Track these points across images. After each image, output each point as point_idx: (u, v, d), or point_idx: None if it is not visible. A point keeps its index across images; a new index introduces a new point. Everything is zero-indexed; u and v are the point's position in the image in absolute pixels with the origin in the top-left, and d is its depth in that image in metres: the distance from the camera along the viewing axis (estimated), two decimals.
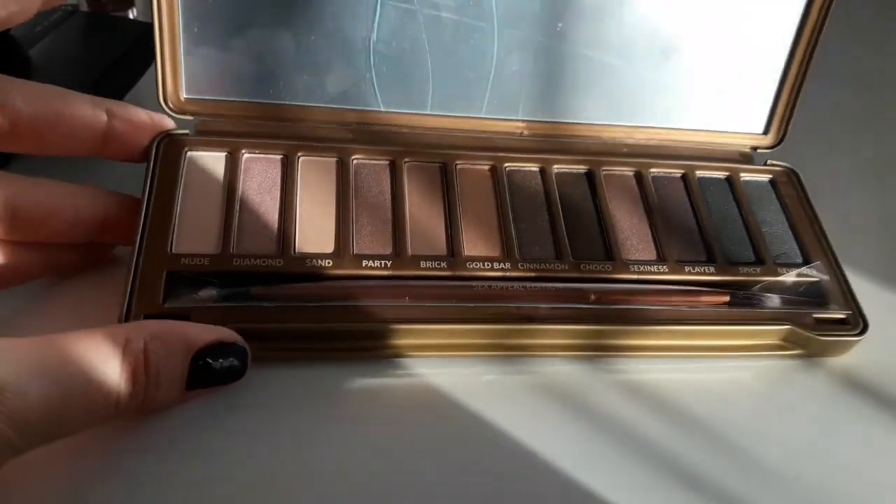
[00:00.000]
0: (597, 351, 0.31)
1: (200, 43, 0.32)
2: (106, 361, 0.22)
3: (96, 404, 0.22)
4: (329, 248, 0.30)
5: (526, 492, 0.26)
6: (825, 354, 0.33)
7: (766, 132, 0.38)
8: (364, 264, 0.30)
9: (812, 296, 0.34)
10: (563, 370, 0.31)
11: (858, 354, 0.33)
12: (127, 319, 0.27)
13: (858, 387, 0.32)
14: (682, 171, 0.36)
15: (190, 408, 0.26)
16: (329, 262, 0.30)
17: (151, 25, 0.31)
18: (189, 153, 0.32)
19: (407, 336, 0.29)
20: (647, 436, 0.29)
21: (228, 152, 0.32)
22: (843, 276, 0.34)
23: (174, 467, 0.25)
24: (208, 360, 0.25)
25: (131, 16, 0.45)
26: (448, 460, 0.27)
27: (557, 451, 0.28)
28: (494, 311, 0.30)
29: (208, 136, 0.32)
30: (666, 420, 0.29)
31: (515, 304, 0.30)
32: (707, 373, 0.32)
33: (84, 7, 0.43)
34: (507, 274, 0.31)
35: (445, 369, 0.30)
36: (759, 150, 0.38)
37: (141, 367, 0.23)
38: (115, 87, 0.38)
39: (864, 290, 0.34)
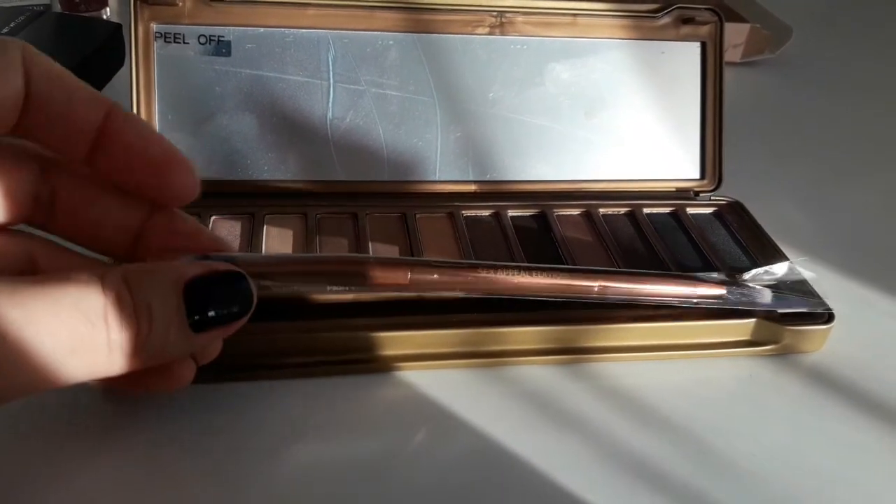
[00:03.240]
0: (569, 354, 0.31)
1: (174, 129, 0.36)
2: (84, 294, 0.19)
3: (83, 343, 0.19)
4: None
5: (506, 498, 0.25)
6: (797, 350, 0.33)
7: (702, 178, 0.41)
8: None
9: None
10: (538, 375, 0.30)
11: (830, 350, 0.33)
12: None
13: (831, 383, 0.32)
14: (629, 209, 0.38)
15: (158, 429, 0.26)
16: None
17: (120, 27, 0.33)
18: None
19: (384, 346, 0.29)
20: (621, 439, 0.28)
21: (197, 214, 0.34)
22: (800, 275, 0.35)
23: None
24: (205, 291, 0.22)
25: (105, 16, 0.47)
26: (432, 468, 0.26)
27: (534, 455, 0.27)
28: (467, 318, 0.30)
29: None
30: (641, 424, 0.29)
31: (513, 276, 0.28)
32: (680, 373, 0.31)
33: (57, 7, 0.44)
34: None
35: (423, 380, 0.30)
36: (701, 194, 0.41)
37: (127, 298, 0.20)
38: None
39: (828, 290, 0.35)
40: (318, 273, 0.27)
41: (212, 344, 0.25)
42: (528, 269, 0.28)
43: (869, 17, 0.77)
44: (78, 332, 0.19)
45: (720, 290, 0.31)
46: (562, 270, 0.29)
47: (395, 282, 0.27)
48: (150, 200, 0.25)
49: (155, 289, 0.21)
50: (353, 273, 0.27)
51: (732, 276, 0.33)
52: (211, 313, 0.22)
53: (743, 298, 0.32)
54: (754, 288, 0.32)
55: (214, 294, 0.22)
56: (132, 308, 0.20)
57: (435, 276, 0.27)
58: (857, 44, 0.70)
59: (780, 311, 0.32)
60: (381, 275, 0.27)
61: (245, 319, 0.23)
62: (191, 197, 0.24)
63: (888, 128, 0.55)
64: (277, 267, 0.26)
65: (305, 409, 0.28)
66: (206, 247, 0.25)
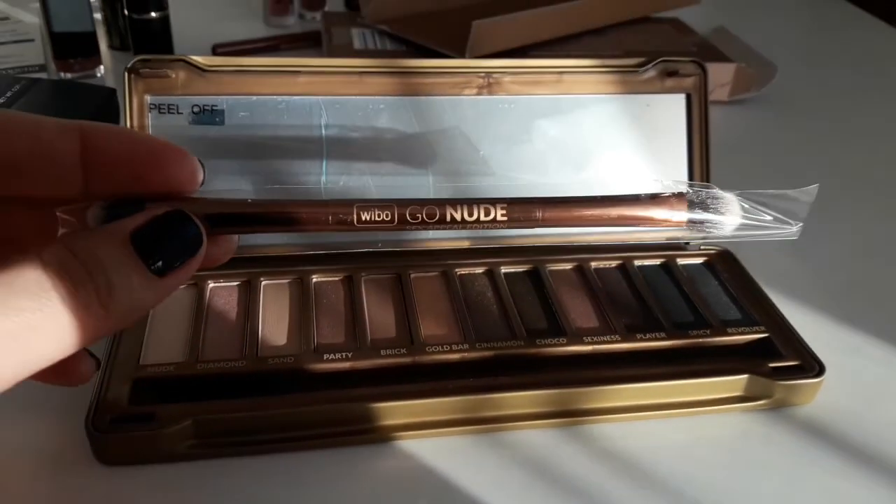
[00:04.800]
0: (565, 417, 0.31)
1: None
2: (19, 272, 0.18)
3: (41, 323, 0.18)
4: (291, 347, 0.32)
5: None
6: (789, 403, 0.33)
7: None
8: (325, 357, 0.31)
9: (763, 352, 0.35)
10: (535, 440, 0.31)
11: (821, 402, 0.33)
12: (94, 423, 0.28)
13: (823, 436, 0.32)
14: (620, 262, 0.39)
15: None
16: (291, 359, 0.31)
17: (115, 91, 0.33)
18: None
19: (380, 416, 0.30)
20: (620, 503, 0.28)
21: (195, 283, 0.35)
22: (791, 328, 0.35)
23: None
24: (152, 236, 0.21)
25: (98, 74, 0.48)
26: None
27: None
28: (457, 385, 0.31)
29: None
30: (639, 486, 0.29)
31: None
32: (675, 432, 0.32)
33: (52, 67, 0.45)
34: (466, 355, 0.32)
35: (421, 449, 0.30)
36: (691, 243, 0.41)
37: (74, 265, 0.19)
38: None
39: (819, 341, 0.35)
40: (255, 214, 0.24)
41: (182, 280, 0.22)
42: (469, 203, 0.25)
43: (851, 49, 0.79)
44: (28, 314, 0.18)
45: (681, 206, 0.25)
46: (501, 201, 0.25)
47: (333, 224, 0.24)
48: (164, 197, 0.23)
49: (102, 247, 0.20)
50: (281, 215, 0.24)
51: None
52: (167, 255, 0.21)
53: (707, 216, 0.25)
54: (719, 195, 0.26)
55: (162, 235, 0.21)
56: (80, 267, 0.19)
57: (374, 214, 0.24)
58: (840, 78, 0.71)
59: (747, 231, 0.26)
60: (306, 215, 0.24)
61: (204, 247, 0.22)
62: (196, 181, 0.23)
63: (873, 165, 0.56)
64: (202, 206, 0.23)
65: (303, 484, 0.28)
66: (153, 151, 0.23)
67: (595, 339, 0.34)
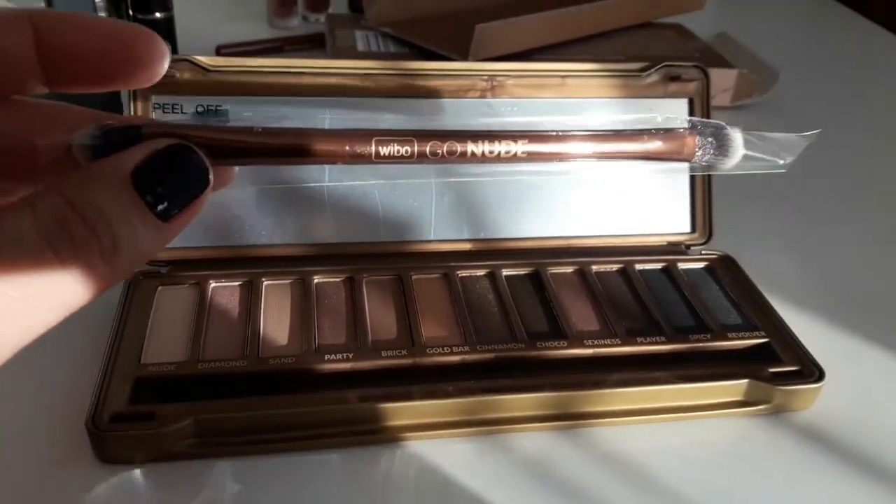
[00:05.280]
0: (566, 420, 0.31)
1: None
2: (10, 233, 0.17)
3: (41, 283, 0.17)
4: (292, 348, 0.32)
5: None
6: (790, 408, 0.33)
7: (693, 231, 0.41)
8: (326, 358, 0.31)
9: (763, 357, 0.35)
10: (536, 442, 0.31)
11: (821, 407, 0.34)
12: (95, 421, 0.28)
13: (823, 441, 0.32)
14: (622, 266, 0.39)
15: None
16: (292, 360, 0.31)
17: None
18: (160, 288, 0.35)
19: (382, 417, 0.30)
20: None
21: (197, 283, 0.35)
22: (791, 333, 0.35)
23: None
24: (156, 175, 0.19)
25: None
26: None
27: None
28: (458, 387, 0.31)
29: (179, 272, 0.35)
30: (639, 489, 0.29)
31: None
32: (676, 436, 0.32)
33: None
34: (466, 357, 0.32)
35: (422, 450, 0.30)
36: (692, 248, 0.41)
37: (72, 215, 0.17)
38: None
39: (819, 347, 0.35)
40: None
41: (188, 222, 0.21)
42: (490, 138, 0.24)
43: (853, 55, 0.79)
44: (27, 274, 0.17)
45: (691, 150, 0.25)
46: (523, 136, 0.24)
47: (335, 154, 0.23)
48: (131, 85, 0.22)
49: (102, 195, 0.18)
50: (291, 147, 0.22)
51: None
52: (172, 196, 0.19)
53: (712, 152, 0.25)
54: (725, 135, 0.25)
55: (166, 173, 0.19)
56: (81, 223, 0.17)
57: (394, 148, 0.23)
58: (842, 84, 0.71)
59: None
60: (321, 148, 0.22)
61: (211, 184, 0.20)
62: (164, 60, 0.21)
63: (875, 170, 0.56)
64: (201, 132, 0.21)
65: (302, 484, 0.28)
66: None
67: (596, 342, 0.34)
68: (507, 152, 0.23)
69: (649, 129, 0.25)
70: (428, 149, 0.23)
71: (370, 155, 0.22)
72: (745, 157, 0.25)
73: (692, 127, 0.25)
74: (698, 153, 0.25)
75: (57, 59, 0.20)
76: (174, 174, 0.20)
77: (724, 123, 0.25)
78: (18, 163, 0.21)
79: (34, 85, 0.20)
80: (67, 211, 0.17)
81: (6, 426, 0.29)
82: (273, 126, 0.23)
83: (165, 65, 0.21)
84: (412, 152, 0.23)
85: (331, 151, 0.22)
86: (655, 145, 0.25)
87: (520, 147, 0.23)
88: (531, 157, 0.24)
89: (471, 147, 0.23)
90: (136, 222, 0.18)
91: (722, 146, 0.25)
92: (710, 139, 0.25)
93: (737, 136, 0.25)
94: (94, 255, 0.17)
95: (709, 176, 0.41)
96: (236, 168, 0.23)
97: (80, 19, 0.20)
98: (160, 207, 0.19)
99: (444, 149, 0.23)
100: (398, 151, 0.22)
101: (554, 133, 0.24)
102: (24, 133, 0.21)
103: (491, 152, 0.23)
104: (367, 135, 0.22)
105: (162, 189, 0.19)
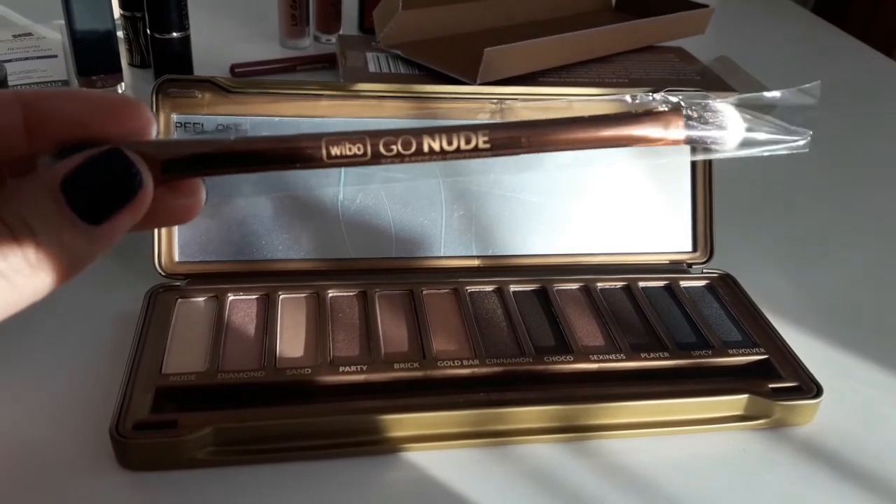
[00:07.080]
0: (571, 432, 0.32)
1: None
2: None
3: None
4: (307, 359, 0.33)
5: None
6: (789, 423, 0.34)
7: (695, 250, 0.43)
8: (341, 370, 0.32)
9: (763, 373, 0.36)
10: (542, 454, 0.32)
11: (820, 422, 0.35)
12: (118, 429, 0.29)
13: (822, 456, 0.33)
14: (626, 283, 0.40)
15: None
16: (308, 371, 0.32)
17: None
18: (180, 301, 0.36)
19: (391, 428, 0.31)
20: None
21: (215, 296, 0.36)
22: (790, 350, 0.37)
23: None
24: (83, 181, 0.20)
25: (120, 90, 0.51)
26: None
27: None
28: (467, 399, 0.32)
29: (198, 285, 0.36)
30: (642, 501, 0.30)
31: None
32: (678, 449, 0.33)
33: (75, 84, 0.48)
34: (475, 370, 0.33)
35: (430, 461, 0.31)
36: (693, 266, 0.42)
37: None
38: None
39: (818, 363, 0.36)
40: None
41: (124, 227, 0.21)
42: (448, 132, 0.22)
43: (851, 81, 0.80)
44: None
45: (678, 130, 0.23)
46: (483, 127, 0.22)
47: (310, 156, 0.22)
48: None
49: (26, 204, 0.19)
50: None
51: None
52: (101, 201, 0.20)
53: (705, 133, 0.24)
54: (717, 112, 0.24)
55: (95, 179, 0.20)
56: (8, 234, 0.18)
57: (345, 147, 0.22)
58: (840, 109, 0.73)
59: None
60: (269, 153, 0.22)
61: (147, 189, 0.20)
62: (150, 130, 0.22)
63: (872, 193, 0.57)
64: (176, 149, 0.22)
65: (317, 492, 0.29)
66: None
67: (601, 357, 0.35)
68: (468, 144, 0.22)
69: (628, 112, 0.23)
70: (381, 146, 0.21)
71: (321, 157, 0.21)
72: (757, 142, 0.24)
73: (675, 104, 0.23)
74: (688, 132, 0.23)
75: (44, 130, 0.21)
76: (104, 180, 0.20)
77: (706, 92, 0.24)
78: None
79: (14, 153, 0.21)
80: None
81: (33, 435, 0.30)
82: (221, 137, 0.22)
83: (150, 132, 0.22)
84: (365, 151, 0.21)
85: (281, 154, 0.21)
86: (637, 128, 0.23)
87: (480, 137, 0.22)
88: (496, 148, 0.22)
89: (427, 142, 0.21)
90: (59, 228, 0.19)
91: (714, 120, 0.23)
92: (696, 114, 0.23)
93: (727, 108, 0.24)
94: (19, 263, 0.18)
95: (710, 196, 0.42)
96: (203, 189, 0.23)
97: (67, 95, 0.22)
98: (90, 213, 0.19)
99: (399, 145, 0.21)
100: (350, 150, 0.21)
101: (516, 122, 0.22)
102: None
103: (450, 145, 0.22)
104: (317, 137, 0.21)
105: (91, 195, 0.20)
